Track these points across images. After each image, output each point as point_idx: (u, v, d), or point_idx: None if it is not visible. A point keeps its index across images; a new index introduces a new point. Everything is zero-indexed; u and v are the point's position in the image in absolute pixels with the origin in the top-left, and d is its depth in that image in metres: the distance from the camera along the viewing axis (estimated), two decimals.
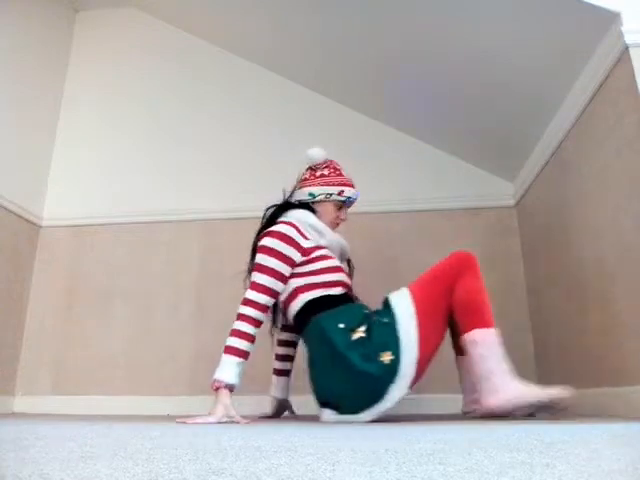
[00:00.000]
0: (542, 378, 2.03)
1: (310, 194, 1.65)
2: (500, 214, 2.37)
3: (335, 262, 1.55)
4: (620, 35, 1.39)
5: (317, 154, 1.71)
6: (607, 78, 1.50)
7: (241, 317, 1.46)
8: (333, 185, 1.66)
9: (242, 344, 1.42)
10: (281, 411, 1.83)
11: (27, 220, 2.51)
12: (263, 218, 1.68)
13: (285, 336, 1.82)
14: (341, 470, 0.50)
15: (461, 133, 2.36)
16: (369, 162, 2.54)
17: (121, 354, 2.36)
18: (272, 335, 1.71)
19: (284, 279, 1.49)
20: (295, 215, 1.59)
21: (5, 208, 2.35)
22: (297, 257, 1.50)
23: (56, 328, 2.44)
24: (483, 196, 2.40)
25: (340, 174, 1.70)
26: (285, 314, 1.61)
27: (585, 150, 1.67)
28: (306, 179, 1.70)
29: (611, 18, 1.42)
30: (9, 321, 2.35)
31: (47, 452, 0.64)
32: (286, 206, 1.66)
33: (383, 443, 0.74)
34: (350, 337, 1.36)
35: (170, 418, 1.86)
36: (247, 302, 1.46)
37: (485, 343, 1.32)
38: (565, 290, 1.83)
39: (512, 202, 2.37)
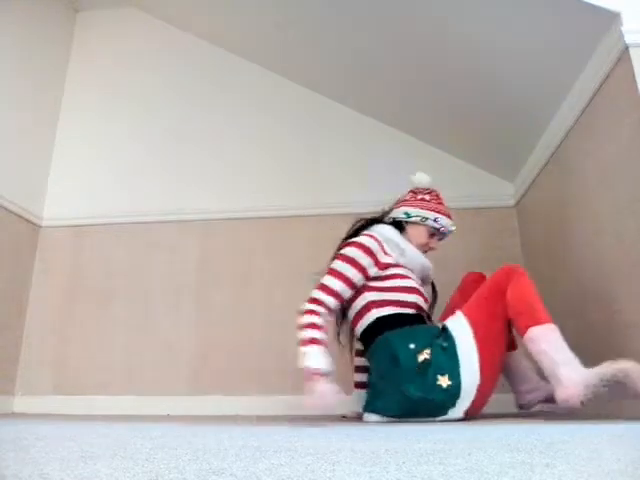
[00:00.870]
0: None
1: (406, 213, 1.66)
2: (500, 214, 2.37)
3: (412, 283, 1.54)
4: (620, 35, 1.39)
5: (423, 179, 1.72)
6: (607, 78, 1.50)
7: (309, 312, 1.44)
8: (430, 210, 1.65)
9: (317, 333, 1.40)
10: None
11: (27, 220, 2.51)
12: (351, 229, 1.70)
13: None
14: (341, 470, 0.50)
15: (461, 133, 2.36)
16: (369, 162, 2.54)
17: (121, 354, 2.36)
18: (339, 343, 1.66)
19: (354, 288, 1.50)
20: (379, 229, 1.61)
21: (5, 208, 2.35)
22: (373, 270, 1.51)
23: (56, 328, 2.44)
24: (483, 196, 2.40)
25: (440, 203, 1.70)
26: (353, 329, 1.59)
27: (585, 150, 1.67)
28: (406, 200, 1.71)
29: (611, 18, 1.42)
30: (9, 321, 2.35)
31: (47, 452, 0.64)
32: (375, 221, 1.67)
33: (383, 443, 0.74)
34: (417, 359, 1.36)
35: (170, 418, 1.86)
36: (314, 300, 1.46)
37: (542, 339, 1.30)
38: (565, 290, 1.83)
39: (512, 202, 2.37)
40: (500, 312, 1.38)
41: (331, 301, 1.46)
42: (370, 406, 1.45)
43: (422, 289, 1.57)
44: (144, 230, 2.55)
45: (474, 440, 0.76)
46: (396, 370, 1.37)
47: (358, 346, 1.70)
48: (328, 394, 1.23)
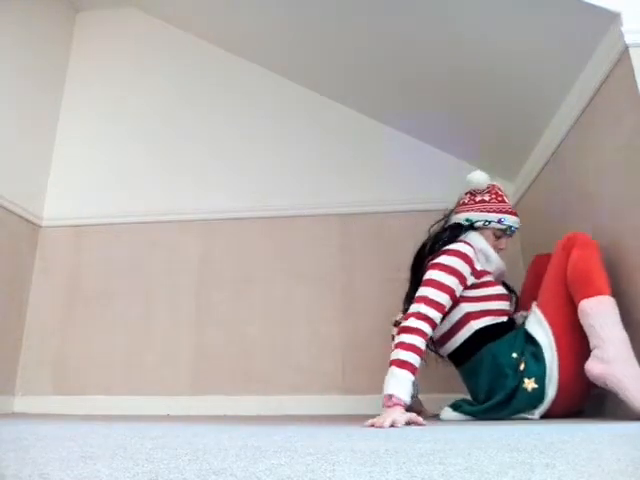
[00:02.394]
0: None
1: (467, 219, 1.59)
2: None
3: (500, 289, 1.53)
4: (620, 35, 1.39)
5: (480, 178, 1.61)
6: (607, 78, 1.50)
7: (416, 331, 1.32)
8: (493, 212, 1.59)
9: (417, 360, 1.29)
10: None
11: (27, 220, 2.51)
12: (427, 240, 1.63)
13: None
14: (341, 470, 0.50)
15: (461, 133, 2.36)
16: (369, 162, 2.54)
17: (121, 354, 2.36)
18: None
19: (455, 299, 1.44)
20: (471, 237, 1.56)
21: (5, 208, 2.35)
22: (471, 279, 1.47)
23: (56, 328, 2.44)
24: None
25: (502, 200, 1.62)
26: (443, 343, 1.53)
27: (585, 150, 1.66)
28: (464, 203, 1.64)
29: (611, 18, 1.42)
30: (9, 321, 2.35)
31: (47, 452, 0.64)
32: (453, 228, 1.61)
33: (383, 443, 0.74)
34: (519, 367, 1.37)
35: (170, 418, 1.86)
36: (422, 317, 1.35)
37: (592, 313, 1.26)
38: None
39: (512, 202, 2.37)
40: (569, 292, 1.36)
41: (438, 317, 1.37)
42: (459, 408, 1.45)
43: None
44: (144, 230, 2.55)
45: (474, 440, 0.76)
46: (503, 381, 1.37)
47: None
48: (399, 424, 1.13)
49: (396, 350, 1.29)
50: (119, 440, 0.81)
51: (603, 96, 1.53)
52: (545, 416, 1.36)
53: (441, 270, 1.43)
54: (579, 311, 1.30)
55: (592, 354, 1.25)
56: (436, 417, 1.57)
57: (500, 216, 1.58)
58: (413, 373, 1.26)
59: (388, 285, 2.32)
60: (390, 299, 2.29)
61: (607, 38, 1.46)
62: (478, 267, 1.49)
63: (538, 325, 1.40)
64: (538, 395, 1.34)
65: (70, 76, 2.92)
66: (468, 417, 1.44)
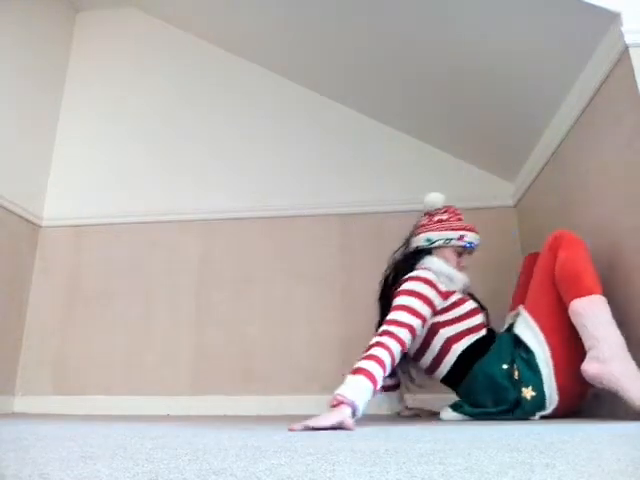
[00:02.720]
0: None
1: (427, 239, 1.61)
2: (500, 214, 2.36)
3: (473, 304, 1.53)
4: (620, 35, 1.39)
5: (436, 199, 1.65)
6: (607, 78, 1.50)
7: (379, 345, 1.28)
8: (452, 230, 1.60)
9: (375, 367, 1.22)
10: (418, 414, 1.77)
11: (27, 220, 2.51)
12: (388, 268, 1.65)
13: None
14: (341, 470, 0.50)
15: (461, 133, 2.36)
16: (369, 162, 2.54)
17: (121, 354, 2.36)
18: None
19: (424, 321, 1.41)
20: (427, 262, 1.56)
21: (5, 208, 2.35)
22: (439, 302, 1.47)
23: (56, 328, 2.44)
24: (483, 196, 2.40)
25: (460, 219, 1.65)
26: (432, 373, 1.53)
27: (585, 150, 1.66)
28: (423, 225, 1.66)
29: (611, 18, 1.42)
30: (9, 321, 2.35)
31: (47, 452, 0.64)
32: (414, 254, 1.61)
33: (383, 443, 0.74)
34: (513, 375, 1.37)
35: (170, 418, 1.86)
36: (388, 333, 1.31)
37: (585, 313, 1.25)
38: None
39: (512, 202, 2.37)
40: (558, 293, 1.37)
41: (404, 333, 1.33)
42: (460, 408, 1.45)
43: None
44: (144, 230, 2.55)
45: (474, 440, 0.76)
46: (504, 394, 1.37)
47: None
48: (346, 426, 1.07)
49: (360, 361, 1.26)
50: (119, 440, 0.81)
51: (603, 96, 1.53)
52: (545, 417, 1.36)
53: (408, 295, 1.42)
54: (570, 311, 1.29)
55: (588, 355, 1.24)
56: (436, 416, 1.57)
57: (461, 232, 1.61)
58: (369, 378, 1.19)
59: None
60: None
61: (607, 38, 1.45)
62: (443, 289, 1.49)
63: (527, 328, 1.40)
64: (539, 402, 1.34)
65: (70, 76, 2.92)
66: (468, 417, 1.44)
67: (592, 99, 1.59)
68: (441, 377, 1.52)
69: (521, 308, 1.47)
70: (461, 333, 1.46)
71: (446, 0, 1.74)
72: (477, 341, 1.46)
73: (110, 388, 2.31)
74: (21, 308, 2.43)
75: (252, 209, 2.53)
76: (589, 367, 1.22)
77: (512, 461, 0.54)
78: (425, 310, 1.41)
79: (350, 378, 1.19)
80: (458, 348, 1.46)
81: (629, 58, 1.38)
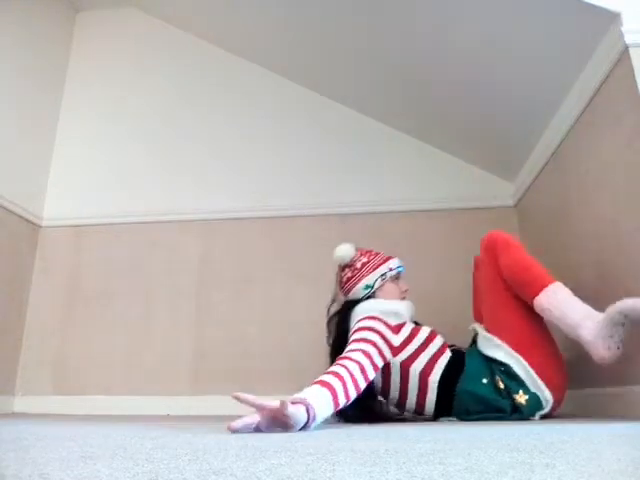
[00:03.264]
0: None
1: (367, 287, 1.58)
2: (500, 214, 2.36)
3: (426, 329, 1.51)
4: (620, 35, 1.39)
5: (348, 251, 1.62)
6: (607, 78, 1.50)
7: (337, 365, 1.23)
8: (380, 265, 1.60)
9: (331, 378, 1.16)
10: None
11: (27, 220, 2.51)
12: (329, 327, 1.57)
13: None
14: (341, 470, 0.50)
15: (461, 133, 2.36)
16: (369, 162, 2.54)
17: (121, 354, 2.36)
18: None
19: (380, 352, 1.36)
20: (366, 307, 1.49)
21: (5, 208, 2.35)
22: (392, 337, 1.42)
23: (56, 328, 2.44)
24: (483, 196, 2.40)
25: (377, 253, 1.65)
26: (422, 411, 1.48)
27: (585, 150, 1.66)
28: (349, 278, 1.61)
29: (611, 18, 1.42)
30: (9, 321, 2.35)
31: (47, 452, 0.64)
32: (349, 306, 1.55)
33: (383, 443, 0.74)
34: (498, 386, 1.37)
35: (170, 418, 1.86)
36: (345, 357, 1.26)
37: (549, 306, 1.30)
38: None
39: (512, 202, 2.37)
40: (506, 294, 1.40)
41: (360, 357, 1.27)
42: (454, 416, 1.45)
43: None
44: (144, 230, 2.55)
45: (474, 440, 0.76)
46: (499, 405, 1.36)
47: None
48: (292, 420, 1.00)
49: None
50: (119, 440, 0.81)
51: (603, 96, 1.53)
52: (544, 416, 1.36)
53: (362, 330, 1.38)
54: (537, 310, 1.33)
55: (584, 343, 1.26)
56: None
57: (387, 264, 1.61)
58: (327, 388, 1.12)
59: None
60: None
61: (607, 38, 1.45)
62: (392, 323, 1.46)
63: (494, 347, 1.40)
64: (535, 403, 1.34)
65: (70, 76, 2.92)
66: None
67: (592, 99, 1.59)
68: (431, 412, 1.47)
69: (479, 329, 1.47)
70: (429, 363, 1.43)
71: (446, 0, 1.74)
72: (448, 365, 1.43)
73: (110, 388, 2.31)
74: (21, 308, 2.43)
75: (252, 209, 2.52)
76: (598, 358, 1.24)
77: (512, 461, 0.54)
78: (380, 342, 1.37)
79: (314, 388, 1.12)
80: (434, 379, 1.42)
81: (629, 58, 1.37)
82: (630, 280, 1.40)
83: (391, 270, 1.61)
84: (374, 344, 1.35)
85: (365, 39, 2.15)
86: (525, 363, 1.35)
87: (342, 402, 1.15)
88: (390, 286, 1.61)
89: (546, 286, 1.32)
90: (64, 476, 0.47)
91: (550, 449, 0.63)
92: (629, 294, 1.40)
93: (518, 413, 1.35)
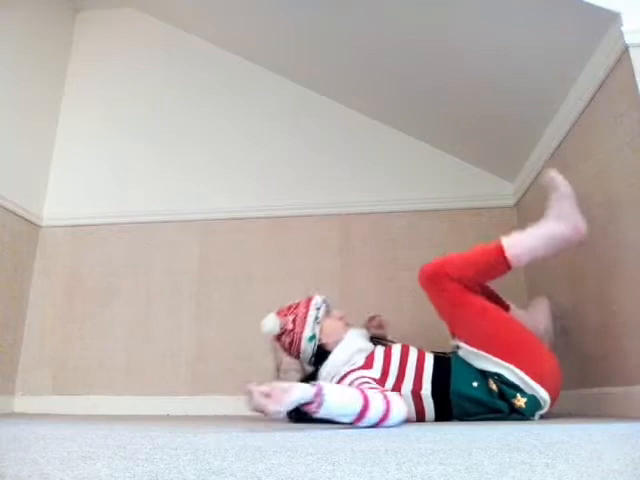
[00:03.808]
0: None
1: (310, 339, 1.53)
2: (500, 214, 2.37)
3: (397, 346, 1.49)
4: (620, 35, 1.39)
5: (273, 321, 1.57)
6: (607, 78, 1.50)
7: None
8: (307, 312, 1.56)
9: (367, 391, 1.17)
10: None
11: (27, 220, 2.51)
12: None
13: None
14: (341, 470, 0.50)
15: (461, 133, 2.36)
16: (369, 162, 2.54)
17: (121, 354, 2.36)
18: None
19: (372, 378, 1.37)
20: (335, 361, 1.46)
21: (5, 208, 2.35)
22: (372, 373, 1.39)
23: (56, 328, 2.44)
24: (483, 196, 2.40)
25: (297, 303, 1.62)
26: (424, 420, 1.45)
27: (585, 150, 1.66)
28: (290, 342, 1.56)
29: (611, 18, 1.42)
30: (9, 321, 2.35)
31: (47, 452, 0.64)
32: (315, 369, 1.52)
33: (383, 443, 0.74)
34: (490, 388, 1.36)
35: (170, 418, 1.86)
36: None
37: (521, 249, 1.41)
38: (565, 290, 1.83)
39: (512, 202, 2.37)
40: (475, 304, 1.41)
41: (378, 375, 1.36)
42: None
43: (384, 350, 1.49)
44: (144, 230, 2.55)
45: (474, 440, 0.76)
46: (496, 405, 1.35)
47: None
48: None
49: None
50: (119, 440, 0.81)
51: (603, 96, 1.53)
52: (543, 416, 1.37)
53: (353, 374, 1.37)
54: (517, 265, 1.43)
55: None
56: None
57: (312, 307, 1.57)
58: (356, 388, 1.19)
59: (388, 285, 2.32)
60: (390, 299, 2.29)
61: (607, 38, 1.45)
62: (361, 362, 1.43)
63: (481, 358, 1.39)
64: (534, 404, 1.34)
65: (70, 76, 2.92)
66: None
67: (592, 99, 1.59)
68: (432, 419, 1.45)
69: (462, 344, 1.45)
70: (416, 378, 1.42)
71: (446, 0, 1.74)
72: (434, 373, 1.42)
73: (110, 388, 2.31)
74: (21, 308, 2.43)
75: (252, 209, 2.53)
76: (580, 233, 1.45)
77: (512, 461, 0.54)
78: (363, 379, 1.35)
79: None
80: (426, 394, 1.41)
81: (629, 58, 1.37)
82: (630, 280, 1.40)
83: (319, 309, 1.57)
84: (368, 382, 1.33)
85: (366, 39, 2.15)
86: (516, 369, 1.34)
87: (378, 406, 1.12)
88: (328, 323, 1.56)
89: (501, 247, 1.41)
90: (64, 476, 0.47)
91: (550, 449, 0.63)
92: (628, 294, 1.40)
93: (517, 413, 1.35)
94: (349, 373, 1.39)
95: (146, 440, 0.80)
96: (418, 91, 2.27)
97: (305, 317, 1.56)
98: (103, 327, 2.42)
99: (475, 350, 1.41)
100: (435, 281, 1.43)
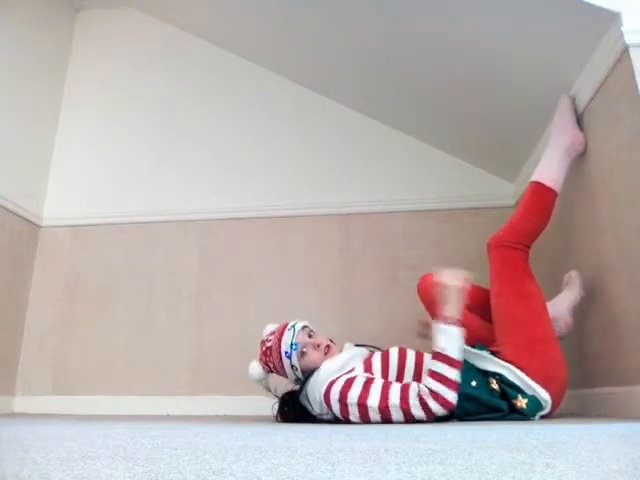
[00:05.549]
0: None
1: (292, 368, 1.49)
2: (500, 214, 2.36)
3: (393, 349, 1.47)
4: (620, 35, 1.39)
5: (257, 370, 1.56)
6: (607, 78, 1.50)
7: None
8: (282, 335, 1.52)
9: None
10: None
11: (27, 220, 2.51)
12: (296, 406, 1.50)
13: None
14: (341, 470, 0.50)
15: (461, 133, 2.36)
16: (369, 162, 2.54)
17: (121, 354, 2.36)
18: None
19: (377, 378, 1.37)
20: (320, 381, 1.42)
21: (5, 208, 2.35)
22: (361, 378, 1.37)
23: (56, 328, 2.44)
24: (483, 196, 2.40)
25: (267, 339, 1.58)
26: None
27: (585, 150, 1.66)
28: (280, 374, 1.55)
29: (611, 18, 1.42)
30: (9, 321, 2.35)
31: (47, 452, 0.64)
32: (301, 388, 1.50)
33: (383, 443, 0.74)
34: (491, 386, 1.36)
35: (170, 418, 1.86)
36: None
37: (548, 174, 1.58)
38: None
39: (512, 202, 2.37)
40: (526, 286, 1.46)
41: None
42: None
43: (382, 358, 1.46)
44: (144, 230, 2.55)
45: (474, 440, 0.76)
46: (496, 405, 1.35)
47: None
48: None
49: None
50: (119, 440, 0.81)
51: (603, 96, 1.53)
52: (544, 416, 1.36)
53: (348, 388, 1.34)
54: (550, 184, 1.56)
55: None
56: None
57: (285, 332, 1.53)
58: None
59: (388, 285, 2.32)
60: (390, 299, 2.29)
61: (607, 38, 1.45)
62: (360, 366, 1.42)
63: (484, 360, 1.40)
64: (535, 405, 1.34)
65: (70, 76, 2.92)
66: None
67: (592, 99, 1.59)
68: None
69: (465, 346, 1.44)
70: (415, 379, 1.40)
71: (446, 1, 1.74)
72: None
73: (110, 388, 2.31)
74: (21, 308, 2.43)
75: (252, 209, 2.53)
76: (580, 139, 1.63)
77: (512, 461, 0.54)
78: (364, 377, 1.36)
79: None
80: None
81: (629, 58, 1.37)
82: (630, 279, 1.40)
83: (295, 336, 1.50)
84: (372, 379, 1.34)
85: (365, 39, 2.15)
86: (517, 370, 1.34)
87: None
88: (311, 353, 1.48)
89: (536, 184, 1.58)
90: (64, 476, 0.47)
91: (550, 449, 0.63)
92: (629, 294, 1.40)
93: (517, 413, 1.35)
94: (334, 382, 1.37)
95: (146, 440, 0.80)
96: (418, 91, 2.27)
97: (280, 336, 1.53)
98: (103, 327, 2.42)
99: (477, 352, 1.42)
100: (501, 250, 1.54)
